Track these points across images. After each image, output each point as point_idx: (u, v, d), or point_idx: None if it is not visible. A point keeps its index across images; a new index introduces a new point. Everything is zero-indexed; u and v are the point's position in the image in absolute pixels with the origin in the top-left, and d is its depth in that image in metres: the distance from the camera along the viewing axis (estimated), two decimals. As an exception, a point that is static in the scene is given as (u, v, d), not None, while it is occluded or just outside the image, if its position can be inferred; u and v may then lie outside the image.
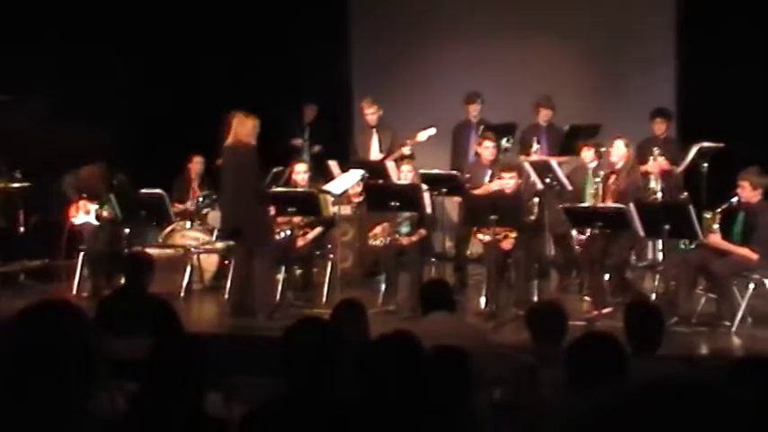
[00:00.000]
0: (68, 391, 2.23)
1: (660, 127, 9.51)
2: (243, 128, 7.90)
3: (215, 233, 9.53)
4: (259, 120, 7.97)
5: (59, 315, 2.30)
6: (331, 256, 8.70)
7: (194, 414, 3.14)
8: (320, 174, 9.39)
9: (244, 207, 7.93)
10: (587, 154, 8.44)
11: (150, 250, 8.38)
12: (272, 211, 8.26)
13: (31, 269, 9.79)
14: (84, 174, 9.29)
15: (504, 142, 9.14)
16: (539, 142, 9.55)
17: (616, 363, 3.52)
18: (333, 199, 8.55)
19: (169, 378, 3.16)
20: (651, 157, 8.71)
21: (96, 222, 9.16)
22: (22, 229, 9.95)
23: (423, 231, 8.26)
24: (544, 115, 9.84)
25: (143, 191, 9.18)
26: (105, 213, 9.08)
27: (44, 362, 2.22)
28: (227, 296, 8.70)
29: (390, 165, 8.94)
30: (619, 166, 7.97)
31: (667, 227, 7.21)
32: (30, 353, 2.24)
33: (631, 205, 7.44)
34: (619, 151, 7.99)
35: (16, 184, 9.76)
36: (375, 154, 9.37)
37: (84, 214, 9.18)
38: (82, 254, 8.99)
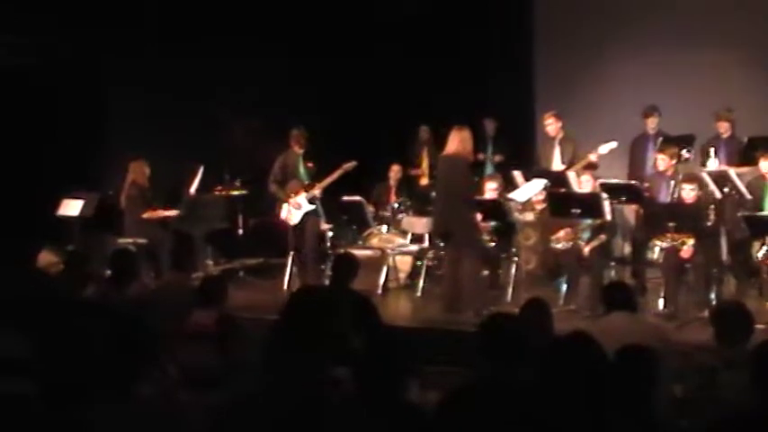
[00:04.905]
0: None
1: None
2: (456, 140, 7.95)
3: (408, 236, 9.62)
4: (471, 132, 7.97)
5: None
6: (515, 258, 8.62)
7: (397, 399, 3.17)
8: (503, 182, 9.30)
9: (454, 213, 7.98)
10: (764, 164, 8.03)
11: (352, 251, 8.52)
12: (479, 216, 8.25)
13: (249, 266, 10.17)
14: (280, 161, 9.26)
15: (684, 153, 8.76)
16: (716, 154, 9.09)
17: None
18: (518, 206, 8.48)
19: (376, 367, 3.21)
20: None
21: (311, 206, 9.07)
22: (240, 230, 10.38)
23: (602, 237, 8.10)
24: (721, 127, 9.37)
25: (344, 198, 9.38)
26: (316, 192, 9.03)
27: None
28: (418, 294, 8.81)
29: (571, 174, 8.76)
30: None
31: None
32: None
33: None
34: None
35: (236, 192, 10.18)
36: (557, 164, 9.19)
37: (296, 209, 9.09)
38: (291, 253, 9.20)
